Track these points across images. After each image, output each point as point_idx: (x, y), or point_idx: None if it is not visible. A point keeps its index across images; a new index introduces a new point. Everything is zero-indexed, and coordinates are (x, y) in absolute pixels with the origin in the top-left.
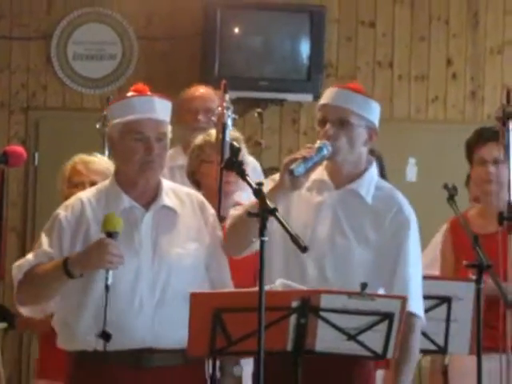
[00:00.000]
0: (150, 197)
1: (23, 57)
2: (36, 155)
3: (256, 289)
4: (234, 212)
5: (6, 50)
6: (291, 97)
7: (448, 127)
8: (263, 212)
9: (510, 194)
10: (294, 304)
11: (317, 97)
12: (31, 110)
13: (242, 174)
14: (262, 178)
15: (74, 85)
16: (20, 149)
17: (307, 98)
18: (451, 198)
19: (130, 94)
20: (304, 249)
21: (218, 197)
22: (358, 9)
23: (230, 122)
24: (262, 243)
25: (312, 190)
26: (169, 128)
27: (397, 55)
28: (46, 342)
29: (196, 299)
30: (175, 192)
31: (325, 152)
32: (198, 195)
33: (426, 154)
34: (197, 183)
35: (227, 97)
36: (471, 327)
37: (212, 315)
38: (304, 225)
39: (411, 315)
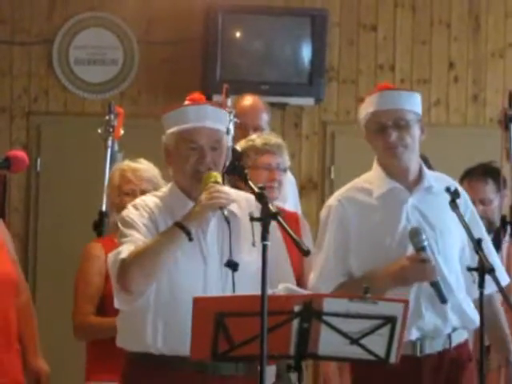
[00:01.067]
0: None
1: (25, 62)
2: (38, 160)
3: (258, 293)
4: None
5: (8, 55)
6: (293, 101)
7: (450, 131)
8: (266, 216)
9: None
10: (297, 308)
11: (319, 100)
12: (33, 115)
13: (245, 179)
14: (296, 191)
15: (76, 90)
16: (22, 154)
17: (309, 101)
18: (453, 202)
19: (185, 102)
20: (307, 253)
21: None
22: (359, 12)
23: (231, 127)
24: (265, 247)
25: (387, 202)
26: (225, 137)
27: (398, 59)
28: (94, 346)
29: (199, 303)
30: (235, 197)
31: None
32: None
33: (428, 157)
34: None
35: (229, 101)
36: (474, 330)
37: (214, 319)
38: (399, 240)
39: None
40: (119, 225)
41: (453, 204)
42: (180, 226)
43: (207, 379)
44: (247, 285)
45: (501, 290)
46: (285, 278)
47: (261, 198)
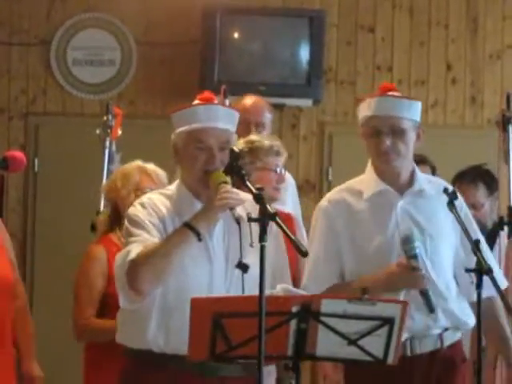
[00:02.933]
0: None
1: (23, 62)
2: (36, 161)
3: (256, 294)
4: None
5: (6, 55)
6: (291, 101)
7: (448, 132)
8: (264, 217)
9: (510, 199)
10: (295, 309)
11: (316, 101)
12: (31, 116)
13: (243, 179)
14: (296, 194)
15: (74, 90)
16: (20, 154)
17: (307, 102)
18: (451, 203)
19: (195, 102)
20: (304, 253)
21: None
22: (357, 13)
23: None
24: (263, 248)
25: (377, 204)
26: (234, 137)
27: (396, 60)
28: (91, 350)
29: (196, 304)
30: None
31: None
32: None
33: (435, 166)
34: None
35: (227, 102)
36: (471, 331)
37: (212, 320)
38: (386, 241)
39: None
40: (126, 223)
41: (451, 205)
42: (190, 226)
43: (206, 380)
44: (254, 287)
45: (499, 292)
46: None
47: (259, 198)
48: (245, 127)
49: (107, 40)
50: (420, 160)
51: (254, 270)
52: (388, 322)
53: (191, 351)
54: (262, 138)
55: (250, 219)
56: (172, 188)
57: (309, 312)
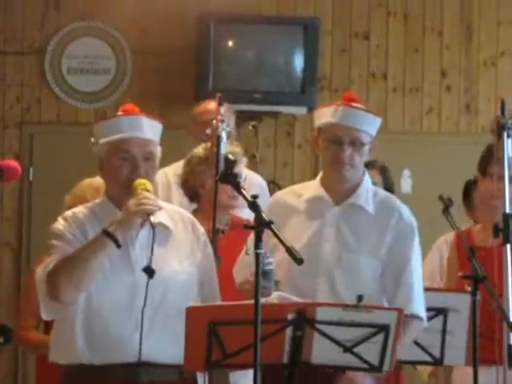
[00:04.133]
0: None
1: (17, 71)
2: (31, 170)
3: (251, 301)
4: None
5: (0, 64)
6: (285, 109)
7: (442, 139)
8: (259, 225)
9: (505, 206)
10: (290, 316)
11: (311, 109)
12: (25, 125)
13: (237, 187)
14: (267, 196)
15: (69, 99)
16: (14, 163)
17: (301, 110)
18: (446, 210)
19: (118, 113)
20: (299, 261)
21: (213, 209)
22: (351, 21)
23: (224, 135)
24: (258, 256)
25: (311, 208)
26: (158, 148)
27: (391, 67)
28: (43, 362)
29: (191, 313)
30: (166, 210)
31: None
32: (188, 213)
33: (420, 166)
34: (195, 196)
35: (222, 110)
36: (467, 338)
37: (207, 328)
38: (308, 244)
39: (412, 317)
40: (48, 238)
41: (446, 212)
42: (107, 233)
43: None
44: (176, 293)
45: (493, 294)
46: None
47: (254, 206)
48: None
49: (102, 49)
50: (368, 164)
51: (177, 277)
52: (383, 329)
53: (187, 361)
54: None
55: (246, 226)
56: (96, 201)
57: (304, 319)
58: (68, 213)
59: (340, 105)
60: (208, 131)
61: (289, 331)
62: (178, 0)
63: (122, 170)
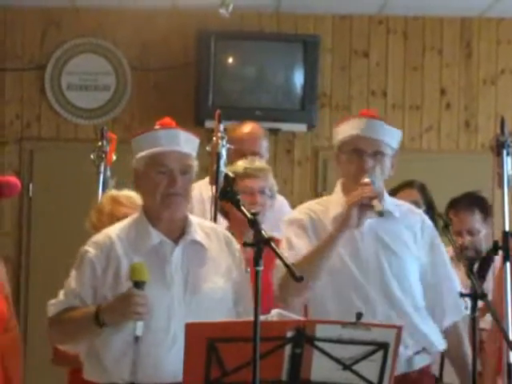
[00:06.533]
0: (178, 231)
1: (17, 88)
2: (30, 186)
3: (251, 319)
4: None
5: (0, 80)
6: (285, 126)
7: (442, 156)
8: (258, 242)
9: (504, 223)
10: (289, 334)
11: (311, 126)
12: (25, 141)
13: (237, 204)
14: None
15: (69, 115)
16: (14, 179)
17: (301, 127)
18: (446, 227)
19: (156, 127)
20: (299, 278)
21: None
22: (351, 38)
23: (224, 152)
24: (257, 273)
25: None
26: (195, 162)
27: (390, 85)
28: (74, 375)
29: (191, 329)
30: (201, 226)
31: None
32: (223, 230)
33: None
34: (225, 213)
35: (221, 127)
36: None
37: (206, 345)
38: (350, 257)
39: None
40: (75, 257)
41: (445, 229)
42: (97, 316)
43: None
44: (212, 311)
45: (492, 312)
46: (244, 314)
47: (253, 223)
48: (240, 157)
49: (102, 65)
50: (408, 184)
51: (213, 294)
52: (382, 346)
53: (186, 377)
54: (243, 162)
55: (245, 244)
56: (134, 216)
57: (303, 337)
58: (101, 235)
59: (360, 117)
60: (208, 148)
61: (288, 348)
62: (177, 16)
63: (160, 183)
